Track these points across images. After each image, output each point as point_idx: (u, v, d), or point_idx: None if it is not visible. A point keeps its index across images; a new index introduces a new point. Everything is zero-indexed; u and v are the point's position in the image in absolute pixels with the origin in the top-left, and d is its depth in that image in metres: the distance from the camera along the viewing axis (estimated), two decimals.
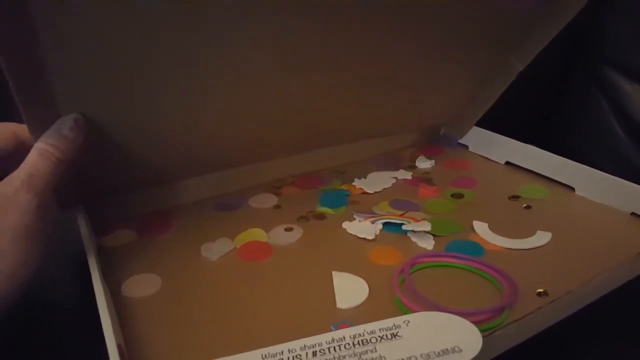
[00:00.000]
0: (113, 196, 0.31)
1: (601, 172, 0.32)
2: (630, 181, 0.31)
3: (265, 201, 0.34)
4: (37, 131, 0.23)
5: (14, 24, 0.18)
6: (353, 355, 0.18)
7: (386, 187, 0.36)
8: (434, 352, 0.17)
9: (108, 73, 0.22)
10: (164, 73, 0.24)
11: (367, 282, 0.25)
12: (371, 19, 0.27)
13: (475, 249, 0.27)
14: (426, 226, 0.29)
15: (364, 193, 0.35)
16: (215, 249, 0.28)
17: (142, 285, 0.25)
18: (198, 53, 0.24)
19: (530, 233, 0.29)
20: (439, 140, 0.44)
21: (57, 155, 0.22)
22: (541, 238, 0.28)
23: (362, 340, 0.18)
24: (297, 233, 0.30)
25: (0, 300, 0.20)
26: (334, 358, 0.18)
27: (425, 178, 0.37)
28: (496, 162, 0.39)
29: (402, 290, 0.24)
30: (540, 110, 0.53)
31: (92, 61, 0.21)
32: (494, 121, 0.41)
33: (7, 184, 0.21)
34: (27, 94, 0.21)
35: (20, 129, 0.25)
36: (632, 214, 0.31)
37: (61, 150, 0.22)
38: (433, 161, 0.40)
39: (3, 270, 0.20)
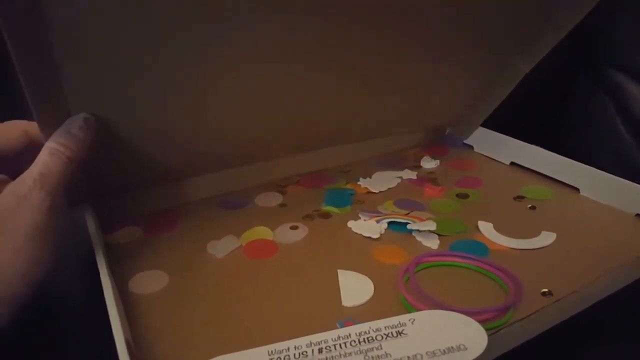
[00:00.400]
0: (120, 194, 0.31)
1: (606, 173, 0.32)
2: (635, 182, 0.31)
3: (271, 200, 0.34)
4: (48, 129, 0.23)
5: (27, 23, 0.18)
6: (359, 352, 0.18)
7: (391, 186, 0.36)
8: (439, 350, 0.18)
9: (116, 72, 0.23)
10: (170, 73, 0.24)
11: (372, 280, 0.25)
12: (376, 19, 0.27)
13: (480, 248, 0.27)
14: (431, 225, 0.29)
15: (369, 192, 0.35)
16: (221, 247, 0.28)
17: (149, 282, 0.25)
18: (204, 53, 0.24)
19: (535, 233, 0.29)
20: (444, 140, 0.44)
21: (67, 154, 0.22)
22: (546, 238, 0.28)
23: (367, 338, 0.18)
24: (302, 231, 0.30)
25: (15, 299, 0.20)
26: (340, 355, 0.18)
27: (430, 178, 0.37)
28: (501, 163, 0.39)
29: (407, 289, 0.24)
30: (545, 111, 0.53)
31: (100, 60, 0.22)
32: (499, 122, 0.41)
33: (20, 183, 0.21)
34: (39, 92, 0.21)
35: (30, 127, 0.26)
36: (637, 215, 0.31)
37: (72, 149, 0.23)
38: (438, 161, 0.40)
39: (17, 268, 0.20)
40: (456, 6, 0.29)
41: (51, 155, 0.22)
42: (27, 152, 0.25)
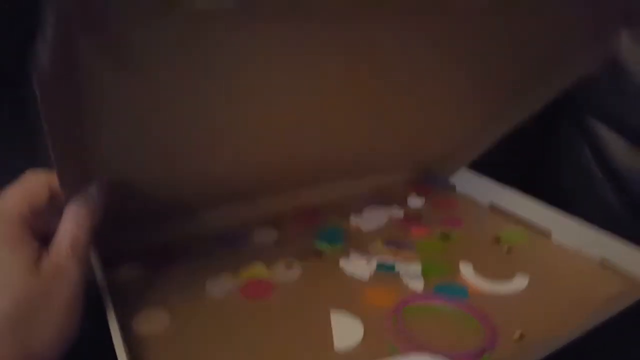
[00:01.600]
0: (117, 231, 0.32)
1: (574, 218, 0.35)
2: (611, 225, 0.33)
3: (266, 236, 0.36)
4: (70, 189, 0.24)
5: (62, 88, 0.19)
6: None
7: (380, 224, 0.38)
8: None
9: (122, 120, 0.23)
10: (169, 116, 0.25)
11: (362, 322, 0.26)
12: (368, 61, 0.28)
13: (461, 291, 0.30)
14: (417, 268, 0.31)
15: (360, 230, 0.37)
16: (219, 287, 0.29)
17: (148, 322, 0.26)
18: (205, 96, 0.24)
19: (510, 277, 0.31)
20: (429, 178, 0.47)
21: (90, 220, 0.24)
22: (520, 282, 0.31)
23: None
24: (297, 270, 0.31)
25: None
26: None
27: (416, 216, 0.39)
28: (481, 203, 0.42)
29: (394, 332, 0.26)
30: (528, 153, 0.56)
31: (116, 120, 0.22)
32: (483, 163, 0.43)
33: (57, 254, 0.22)
34: (65, 155, 0.22)
35: (51, 179, 0.26)
36: (602, 259, 0.33)
37: (93, 212, 0.24)
38: (423, 199, 0.42)
39: (52, 341, 0.21)
40: (451, 54, 0.30)
41: (78, 227, 0.23)
42: (51, 205, 0.25)
